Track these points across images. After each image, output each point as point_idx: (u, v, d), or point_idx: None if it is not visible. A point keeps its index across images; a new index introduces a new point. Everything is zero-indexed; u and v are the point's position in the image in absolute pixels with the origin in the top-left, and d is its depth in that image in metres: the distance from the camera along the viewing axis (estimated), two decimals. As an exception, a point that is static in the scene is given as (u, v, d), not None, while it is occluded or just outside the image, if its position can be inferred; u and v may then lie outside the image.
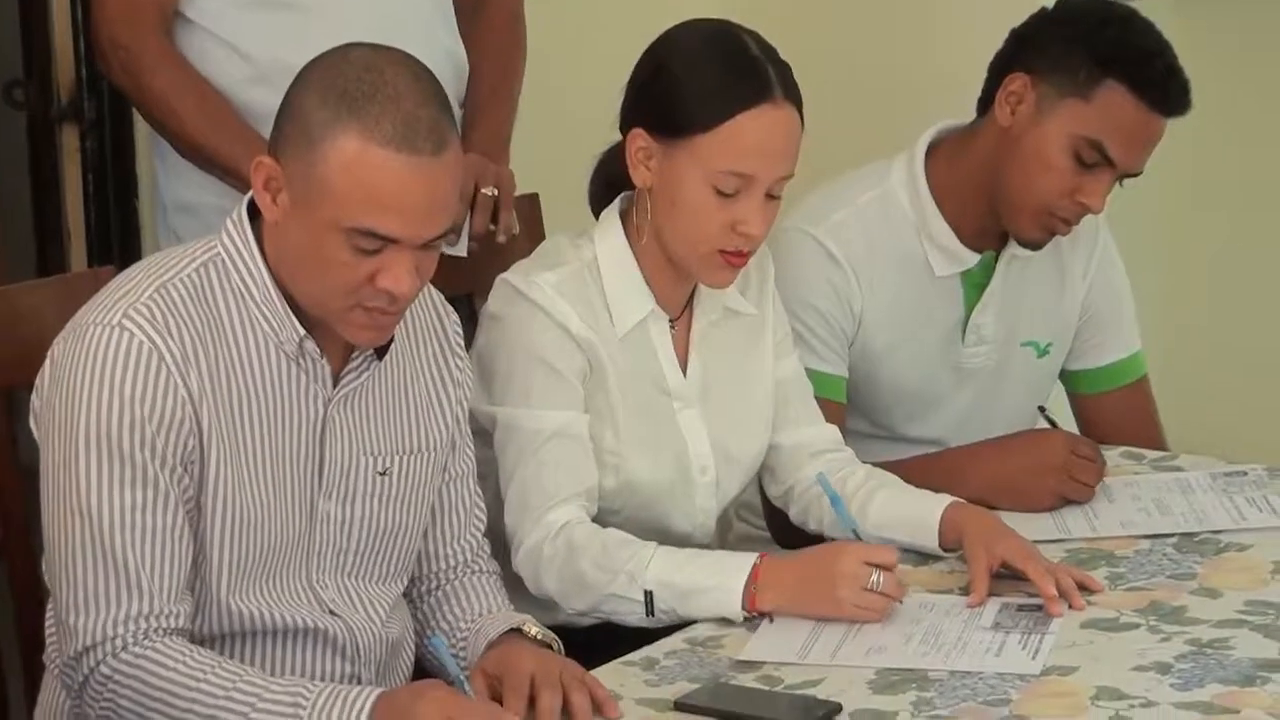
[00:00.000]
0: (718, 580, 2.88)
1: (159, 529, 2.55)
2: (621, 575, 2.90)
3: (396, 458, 2.78)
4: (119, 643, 2.52)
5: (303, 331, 2.62)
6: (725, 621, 2.86)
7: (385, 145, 2.49)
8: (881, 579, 2.83)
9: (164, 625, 2.54)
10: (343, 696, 2.47)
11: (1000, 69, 3.41)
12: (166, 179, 3.51)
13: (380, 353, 2.72)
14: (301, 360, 2.65)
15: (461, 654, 2.78)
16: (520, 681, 2.59)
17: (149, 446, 2.53)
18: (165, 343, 2.54)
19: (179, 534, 2.57)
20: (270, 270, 2.63)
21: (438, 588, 2.92)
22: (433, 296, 2.88)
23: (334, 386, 2.69)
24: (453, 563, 2.93)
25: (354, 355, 2.70)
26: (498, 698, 2.59)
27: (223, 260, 2.63)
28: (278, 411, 2.65)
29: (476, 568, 2.94)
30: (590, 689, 2.60)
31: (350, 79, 2.53)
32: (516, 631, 2.75)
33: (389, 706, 2.46)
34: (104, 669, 2.53)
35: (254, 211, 2.65)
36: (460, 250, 3.31)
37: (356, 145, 2.49)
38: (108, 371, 2.53)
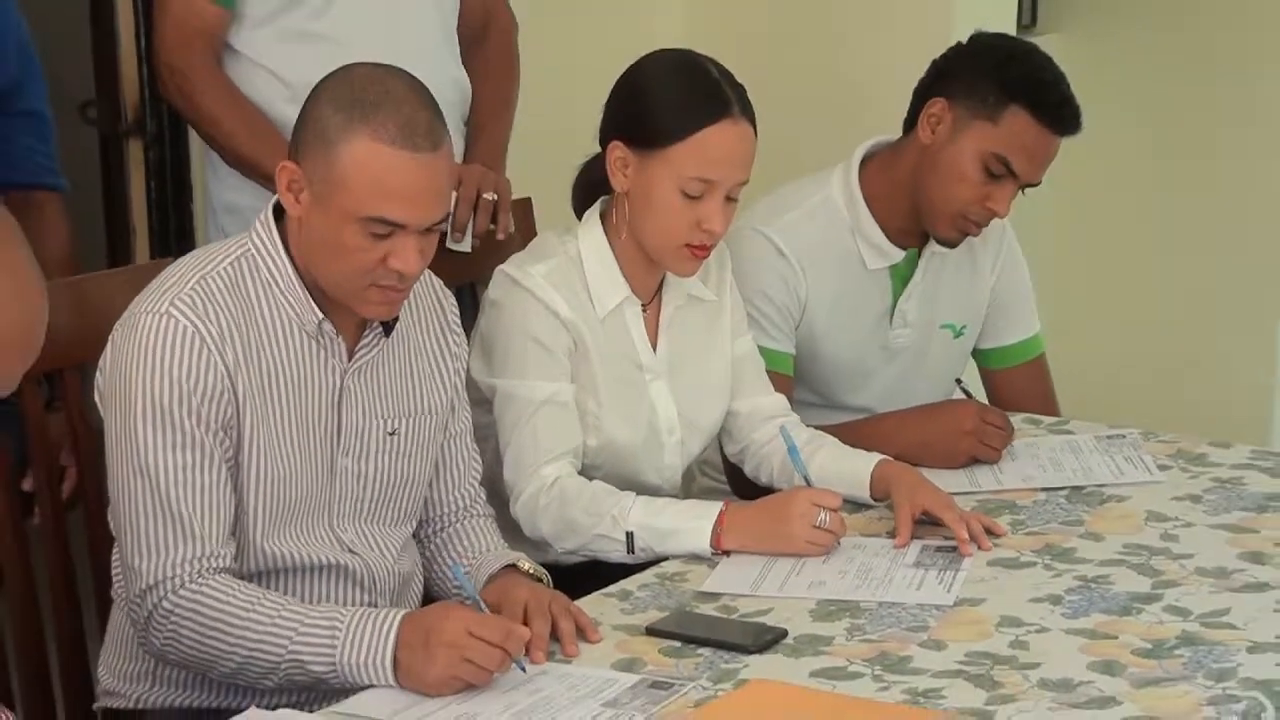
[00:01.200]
0: (690, 523, 2.93)
1: (207, 484, 2.58)
2: (607, 519, 2.94)
3: (403, 420, 2.80)
4: (177, 581, 2.55)
5: (321, 314, 2.65)
6: (691, 559, 2.91)
7: (391, 144, 2.53)
8: (828, 517, 2.88)
9: (214, 565, 2.57)
10: (373, 618, 2.50)
11: (923, 94, 3.44)
12: (215, 184, 3.53)
13: (387, 330, 2.74)
14: (320, 338, 2.67)
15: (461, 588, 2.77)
16: (515, 609, 2.61)
17: (195, 415, 2.56)
18: (205, 326, 2.57)
19: (223, 488, 2.60)
20: (293, 262, 2.65)
21: (442, 529, 2.94)
22: (433, 282, 2.90)
23: (349, 360, 2.71)
24: (454, 508, 2.94)
25: (365, 333, 2.72)
26: None
27: (253, 255, 2.66)
28: (301, 382, 2.68)
29: (475, 512, 2.96)
30: (575, 616, 2.63)
31: (358, 90, 2.56)
32: (512, 567, 2.78)
33: (414, 624, 2.48)
34: (165, 604, 2.55)
35: (278, 213, 2.68)
36: (465, 247, 3.33)
37: (367, 145, 2.53)
38: (157, 352, 2.56)
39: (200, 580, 2.57)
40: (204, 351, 2.58)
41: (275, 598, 2.59)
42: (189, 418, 2.57)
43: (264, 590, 2.61)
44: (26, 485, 3.00)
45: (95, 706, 2.83)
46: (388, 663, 2.47)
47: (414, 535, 2.93)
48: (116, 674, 2.77)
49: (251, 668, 2.55)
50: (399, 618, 2.50)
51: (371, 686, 2.48)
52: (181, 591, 2.56)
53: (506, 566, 2.79)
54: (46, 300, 2.05)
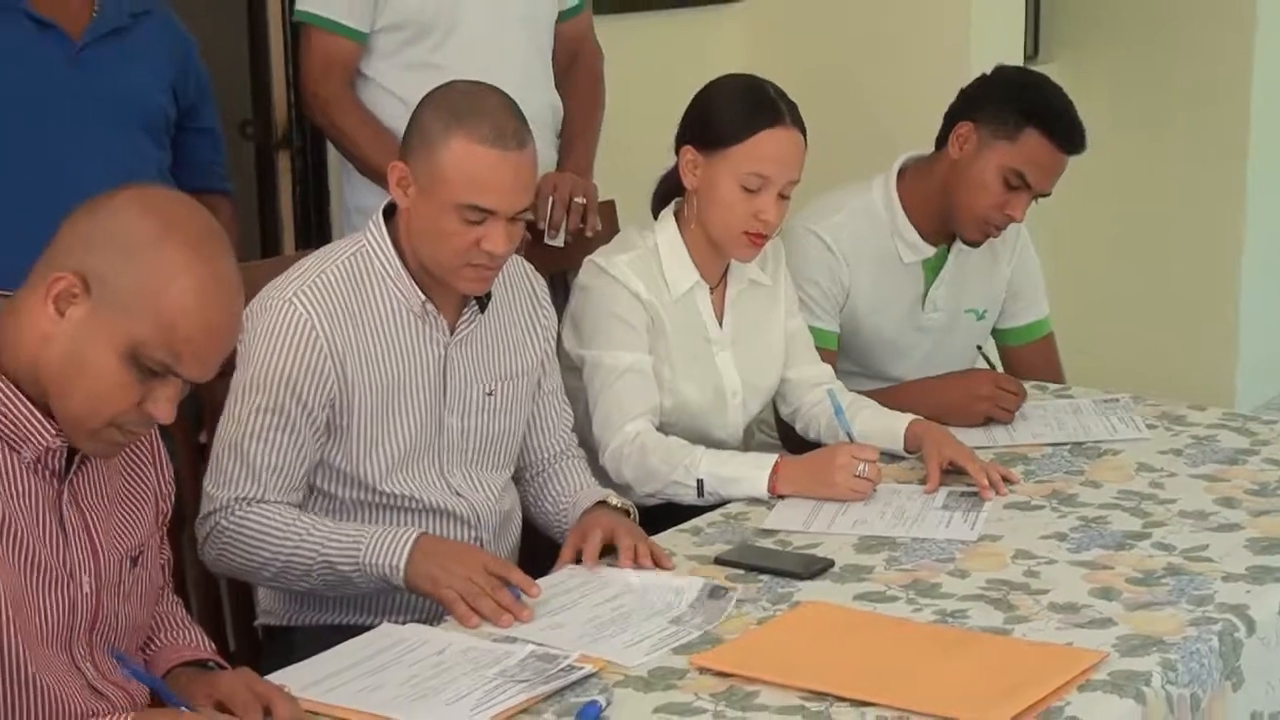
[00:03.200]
0: (750, 472, 2.93)
1: (282, 446, 2.61)
2: (680, 468, 2.94)
3: (499, 382, 2.80)
4: (233, 508, 2.59)
5: (424, 296, 2.66)
6: (751, 501, 2.91)
7: (484, 144, 2.55)
8: (866, 468, 2.89)
9: (265, 502, 2.61)
10: (393, 532, 2.56)
11: (952, 117, 3.44)
12: (349, 189, 3.54)
13: (482, 307, 2.74)
14: (425, 317, 2.68)
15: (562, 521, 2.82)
16: (607, 534, 2.65)
17: (293, 390, 2.59)
18: (319, 315, 2.60)
19: (296, 451, 2.62)
20: (400, 255, 2.66)
21: (541, 471, 2.94)
22: (525, 267, 2.91)
23: (450, 334, 2.71)
24: (551, 453, 2.94)
25: (464, 311, 2.73)
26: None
27: (367, 250, 2.67)
28: (410, 354, 2.69)
29: (569, 454, 2.96)
30: (651, 548, 2.65)
31: (457, 101, 2.61)
32: (603, 503, 2.78)
33: (430, 539, 2.55)
34: (221, 523, 2.60)
35: (387, 214, 2.69)
36: (559, 242, 3.34)
37: (464, 145, 2.55)
38: (275, 332, 2.59)
39: (247, 509, 2.60)
40: (315, 338, 2.60)
41: (309, 517, 2.63)
42: (286, 391, 2.59)
43: (300, 512, 2.64)
44: (203, 438, 3.01)
45: (256, 624, 2.84)
46: (402, 563, 2.51)
47: (514, 478, 2.92)
48: (272, 597, 2.78)
49: (289, 572, 2.59)
50: (415, 533, 2.55)
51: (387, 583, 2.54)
52: (233, 516, 2.60)
53: (599, 502, 2.79)
54: (243, 301, 2.07)
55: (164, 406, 2.01)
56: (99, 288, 1.96)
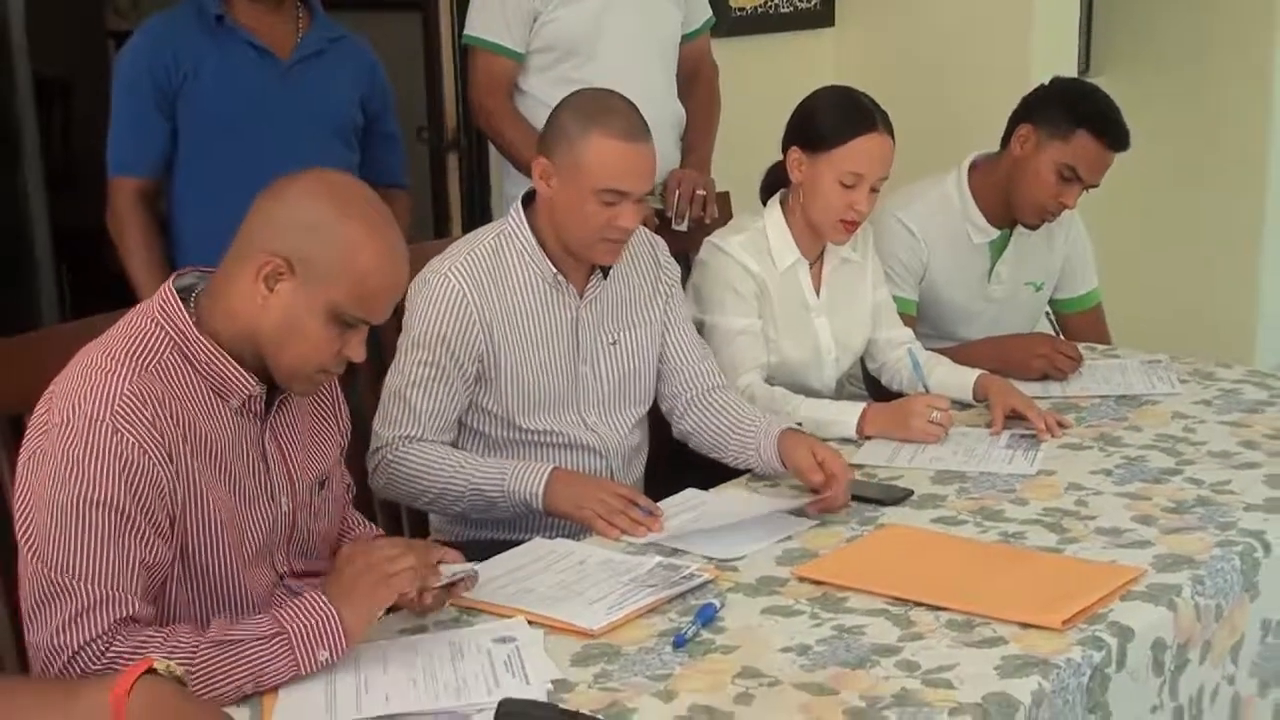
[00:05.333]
0: (842, 416, 2.92)
1: (434, 392, 2.63)
2: (783, 413, 2.92)
3: (622, 333, 2.79)
4: (396, 444, 2.62)
5: (555, 270, 2.68)
6: (842, 441, 2.87)
7: (617, 138, 2.57)
8: (939, 415, 2.87)
9: (423, 440, 2.63)
10: (531, 465, 2.58)
11: (1014, 121, 3.41)
12: (508, 183, 3.54)
13: (605, 274, 2.74)
14: (557, 286, 2.69)
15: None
16: (823, 456, 2.58)
17: (447, 347, 2.61)
18: (470, 285, 2.62)
19: (449, 399, 2.64)
20: (536, 236, 2.67)
21: (694, 403, 2.84)
22: (645, 233, 2.87)
23: (580, 299, 2.72)
24: (697, 387, 2.85)
25: (591, 279, 2.73)
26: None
27: (509, 233, 2.69)
28: (546, 316, 2.70)
29: (720, 388, 2.87)
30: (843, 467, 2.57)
31: (589, 103, 2.63)
32: (790, 429, 2.71)
33: (563, 472, 2.56)
34: (387, 457, 2.62)
35: (525, 203, 2.71)
36: (683, 227, 3.35)
37: (601, 139, 2.57)
38: (432, 300, 2.63)
39: (407, 445, 2.63)
40: (465, 302, 2.63)
41: (460, 453, 2.65)
42: (442, 348, 2.62)
43: (451, 449, 2.66)
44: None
45: (430, 539, 2.85)
46: (540, 490, 2.54)
47: (668, 411, 2.89)
48: (442, 518, 2.80)
49: (444, 499, 2.62)
50: (551, 467, 2.57)
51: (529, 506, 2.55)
52: (396, 453, 2.63)
53: (788, 430, 2.72)
54: (408, 265, 2.11)
55: (357, 350, 2.07)
56: (300, 266, 1.99)
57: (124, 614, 1.89)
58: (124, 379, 1.95)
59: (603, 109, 2.61)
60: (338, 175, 2.12)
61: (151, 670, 1.55)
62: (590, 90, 2.70)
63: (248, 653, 1.90)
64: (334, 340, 2.03)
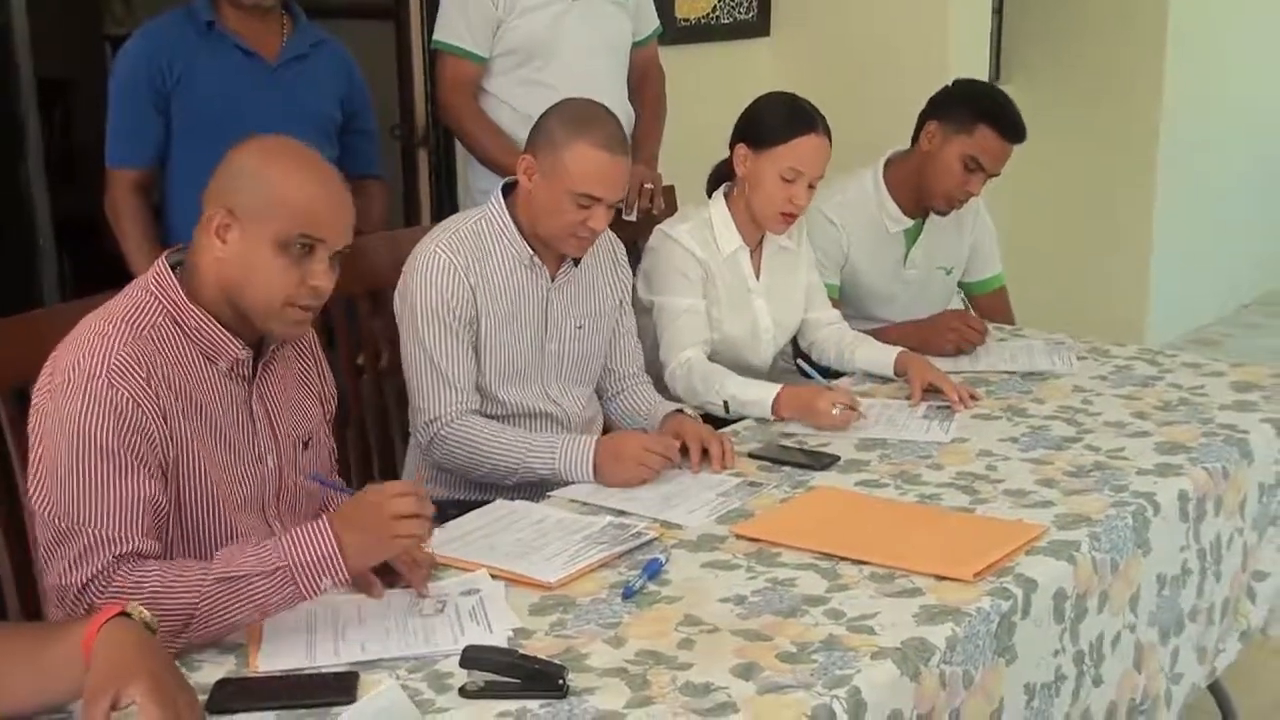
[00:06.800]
0: (759, 398, 2.85)
1: (459, 355, 2.62)
2: (712, 390, 2.90)
3: (587, 319, 2.79)
4: (447, 417, 2.61)
5: (531, 253, 2.67)
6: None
7: (600, 149, 2.56)
8: (840, 410, 2.76)
9: (466, 408, 2.63)
10: (578, 441, 2.54)
11: (923, 119, 3.42)
12: (472, 176, 3.52)
13: (576, 263, 2.74)
14: (531, 268, 2.68)
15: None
16: (689, 436, 2.59)
17: (450, 313, 2.60)
18: (457, 259, 2.62)
19: (468, 357, 2.64)
20: (515, 222, 2.65)
21: (621, 390, 2.90)
22: (610, 237, 2.86)
23: (552, 281, 2.71)
24: (624, 375, 2.90)
25: (562, 265, 2.72)
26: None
27: (489, 218, 2.68)
28: (519, 295, 2.68)
29: (640, 379, 2.92)
30: (722, 441, 2.59)
31: (577, 113, 2.61)
32: (679, 412, 2.74)
33: (609, 439, 2.54)
34: (441, 434, 2.61)
35: (505, 192, 2.69)
36: (632, 217, 3.31)
37: (584, 148, 2.56)
38: (429, 275, 2.61)
39: (460, 420, 2.61)
40: (456, 275, 2.62)
41: (511, 431, 2.63)
42: (448, 314, 2.61)
43: (504, 426, 2.65)
44: (359, 360, 3.02)
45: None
46: (589, 467, 2.51)
47: (599, 393, 2.91)
48: (425, 480, 2.77)
49: (496, 472, 2.60)
50: (595, 440, 2.53)
51: (576, 484, 2.50)
52: (450, 426, 2.61)
53: (676, 411, 2.76)
54: (344, 188, 2.04)
55: (321, 276, 2.00)
56: (240, 210, 1.97)
57: (123, 551, 1.87)
58: (120, 341, 1.94)
59: (590, 120, 2.59)
60: (269, 135, 2.07)
61: (125, 614, 1.53)
62: (580, 100, 2.67)
63: (250, 589, 1.87)
64: (289, 269, 1.98)
